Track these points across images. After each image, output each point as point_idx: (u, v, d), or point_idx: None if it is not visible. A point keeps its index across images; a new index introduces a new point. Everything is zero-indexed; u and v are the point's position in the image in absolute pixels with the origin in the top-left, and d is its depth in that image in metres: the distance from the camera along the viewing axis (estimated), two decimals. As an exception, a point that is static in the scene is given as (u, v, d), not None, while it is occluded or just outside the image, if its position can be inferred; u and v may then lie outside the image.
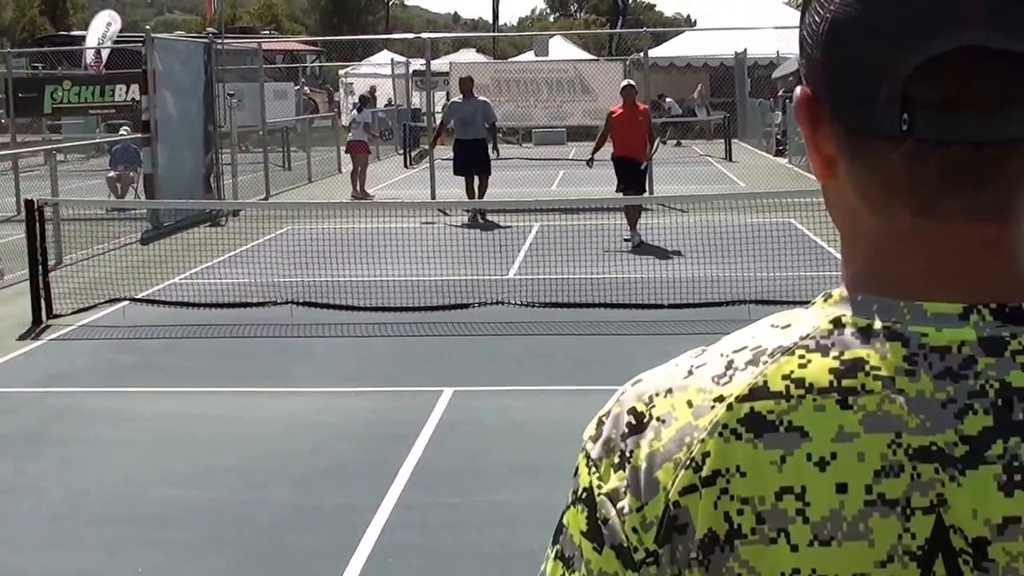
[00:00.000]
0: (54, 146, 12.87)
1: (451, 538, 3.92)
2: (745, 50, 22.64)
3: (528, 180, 16.07)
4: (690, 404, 0.65)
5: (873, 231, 0.65)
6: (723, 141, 20.75)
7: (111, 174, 13.53)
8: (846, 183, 0.65)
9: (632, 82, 11.04)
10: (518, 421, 5.25)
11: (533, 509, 4.13)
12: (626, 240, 10.12)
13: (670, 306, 7.49)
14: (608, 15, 37.06)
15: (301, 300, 7.70)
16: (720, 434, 0.62)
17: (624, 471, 0.66)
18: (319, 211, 11.77)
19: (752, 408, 0.62)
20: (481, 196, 12.10)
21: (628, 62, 19.15)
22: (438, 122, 13.19)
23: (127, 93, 14.09)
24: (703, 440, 0.63)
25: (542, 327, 7.09)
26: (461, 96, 12.43)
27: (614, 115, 10.50)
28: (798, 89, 0.67)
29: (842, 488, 0.60)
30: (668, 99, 24.10)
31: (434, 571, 3.71)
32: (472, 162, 11.97)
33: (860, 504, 0.60)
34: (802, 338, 0.64)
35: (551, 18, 56.45)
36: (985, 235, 0.63)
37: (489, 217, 11.89)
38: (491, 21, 39.50)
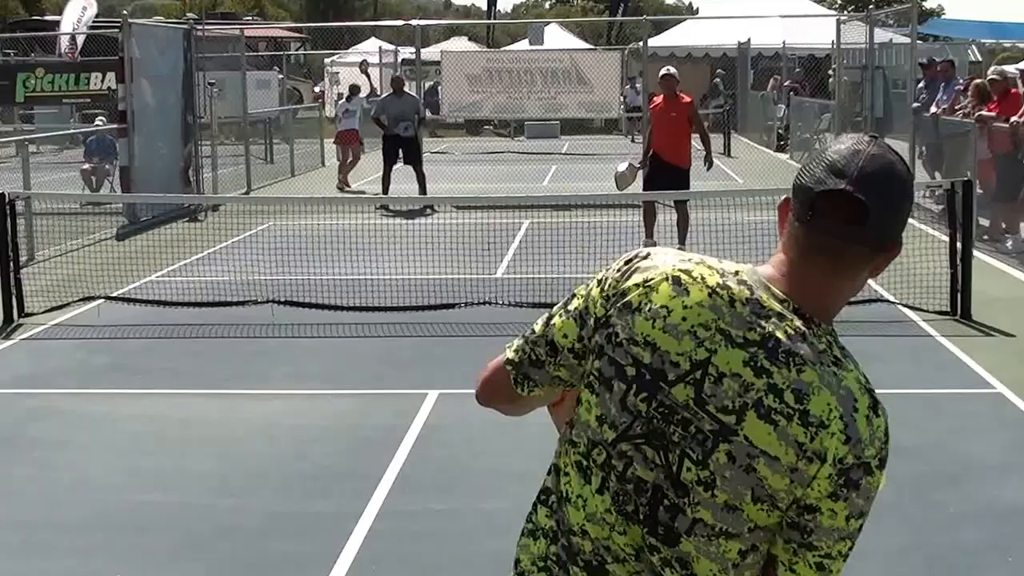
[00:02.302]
0: (26, 137, 12.48)
1: (436, 547, 3.85)
2: (749, 40, 22.25)
3: (519, 175, 15.81)
4: (665, 262, 1.47)
5: (779, 253, 1.45)
6: (722, 135, 20.39)
7: (86, 166, 13.20)
8: (788, 236, 1.44)
9: (670, 70, 9.43)
10: (504, 425, 5.02)
11: (520, 516, 3.92)
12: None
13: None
14: (607, 2, 36.68)
15: (282, 299, 7.49)
16: (663, 275, 1.44)
17: (627, 266, 1.49)
18: (302, 206, 11.50)
19: (681, 274, 1.44)
20: (422, 188, 12.38)
21: (627, 52, 18.87)
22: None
23: (103, 82, 13.71)
24: (657, 273, 1.45)
25: (530, 327, 6.85)
26: (393, 91, 12.80)
27: (652, 108, 9.49)
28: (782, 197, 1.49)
29: (685, 319, 1.41)
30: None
31: None
32: (399, 155, 12.44)
33: (686, 329, 1.40)
34: (726, 269, 1.45)
35: (547, 4, 56.03)
36: (823, 280, 1.43)
37: (482, 213, 11.62)
38: (484, 7, 39.20)
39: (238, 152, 15.46)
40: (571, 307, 1.52)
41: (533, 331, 1.56)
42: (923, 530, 3.91)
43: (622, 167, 9.39)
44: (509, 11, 57.92)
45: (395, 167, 12.73)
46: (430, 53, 19.83)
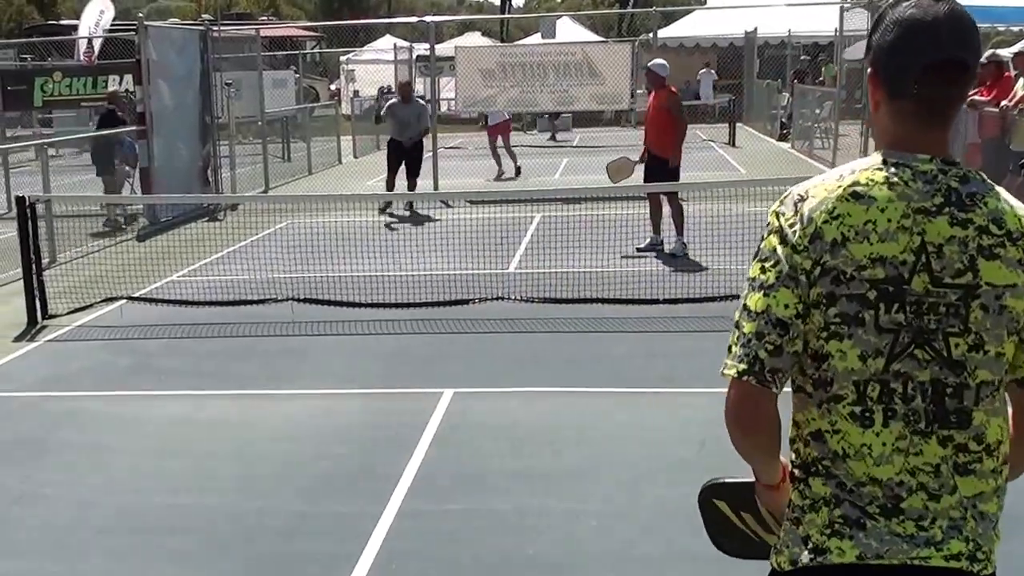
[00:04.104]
0: (45, 140, 12.65)
1: (454, 546, 3.89)
2: (755, 29, 22.24)
3: (531, 169, 15.86)
4: (826, 189, 1.56)
5: (894, 130, 1.59)
6: (727, 125, 20.42)
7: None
8: (884, 112, 1.60)
9: (654, 63, 9.30)
10: (519, 424, 5.14)
11: (537, 516, 4.09)
12: (643, 248, 9.14)
13: (666, 300, 7.32)
14: (618, -6, 36.68)
15: (301, 296, 7.58)
16: (839, 198, 1.54)
17: (796, 215, 1.56)
18: (320, 204, 11.60)
19: (854, 188, 1.54)
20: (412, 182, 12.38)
21: (637, 43, 18.83)
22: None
23: (120, 84, 13.87)
24: (833, 201, 1.54)
25: (543, 324, 6.95)
26: (401, 98, 12.63)
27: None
28: (868, 69, 1.61)
29: (890, 220, 1.51)
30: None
31: None
32: (404, 160, 12.25)
33: (896, 227, 1.51)
34: (869, 166, 1.57)
35: (559, -1, 55.88)
36: (941, 134, 1.59)
37: (492, 210, 11.69)
38: (496, 3, 39.15)
39: (256, 151, 15.60)
40: (768, 281, 1.54)
41: (743, 333, 1.56)
42: None
43: (614, 159, 9.33)
44: (521, 6, 57.79)
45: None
46: (444, 49, 19.89)
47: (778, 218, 1.57)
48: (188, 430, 5.22)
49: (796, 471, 1.61)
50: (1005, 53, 11.59)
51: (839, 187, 1.53)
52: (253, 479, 4.54)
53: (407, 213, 11.87)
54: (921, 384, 1.49)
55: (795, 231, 1.53)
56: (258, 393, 5.80)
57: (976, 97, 9.91)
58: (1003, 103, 9.36)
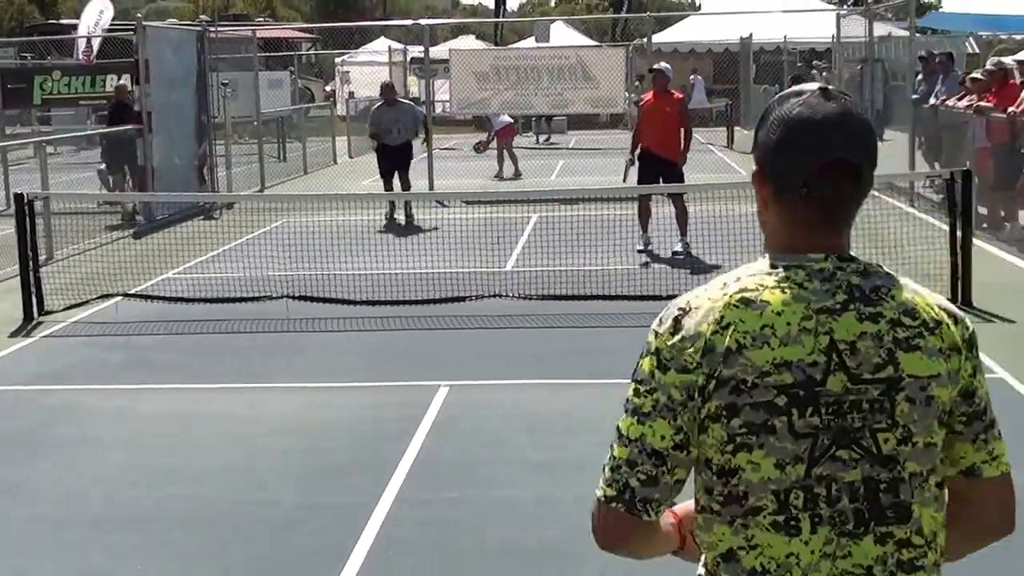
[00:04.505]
0: (44, 138, 12.67)
1: (451, 534, 3.92)
2: (751, 35, 22.39)
3: (528, 170, 15.94)
4: (710, 299, 1.43)
5: (783, 231, 1.48)
6: (725, 129, 20.56)
7: (102, 167, 13.37)
8: (772, 211, 1.49)
9: (662, 66, 9.42)
10: (515, 415, 5.19)
11: (533, 504, 4.13)
12: (644, 249, 9.08)
13: (670, 296, 7.38)
14: (611, 0, 36.85)
15: (297, 294, 7.61)
16: (727, 307, 1.41)
17: (678, 334, 1.42)
18: (315, 203, 11.63)
19: (742, 294, 1.42)
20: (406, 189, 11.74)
21: (631, 48, 18.96)
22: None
23: (119, 83, 13.91)
24: (720, 310, 1.41)
25: (539, 320, 7.00)
26: (385, 101, 11.78)
27: (642, 103, 9.43)
28: (755, 166, 1.51)
29: (789, 323, 1.39)
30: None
31: (434, 566, 3.71)
32: (396, 165, 11.60)
33: (798, 329, 1.39)
34: (757, 271, 1.45)
35: (553, 2, 56.06)
36: (835, 236, 1.46)
37: (494, 210, 11.74)
38: (491, 6, 39.25)
39: (252, 151, 15.63)
40: (644, 409, 1.42)
41: (613, 457, 1.44)
42: None
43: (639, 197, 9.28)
44: (515, 9, 57.93)
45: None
46: (438, 52, 19.97)
47: (656, 338, 1.43)
48: (183, 425, 5.23)
49: None
50: (1009, 61, 11.70)
51: (725, 295, 1.41)
52: (250, 472, 4.56)
53: (403, 221, 11.30)
54: (849, 484, 1.39)
55: (676, 349, 1.40)
56: (254, 387, 5.83)
57: (982, 103, 10.04)
58: (1010, 109, 9.47)
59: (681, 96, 9.52)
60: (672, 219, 9.22)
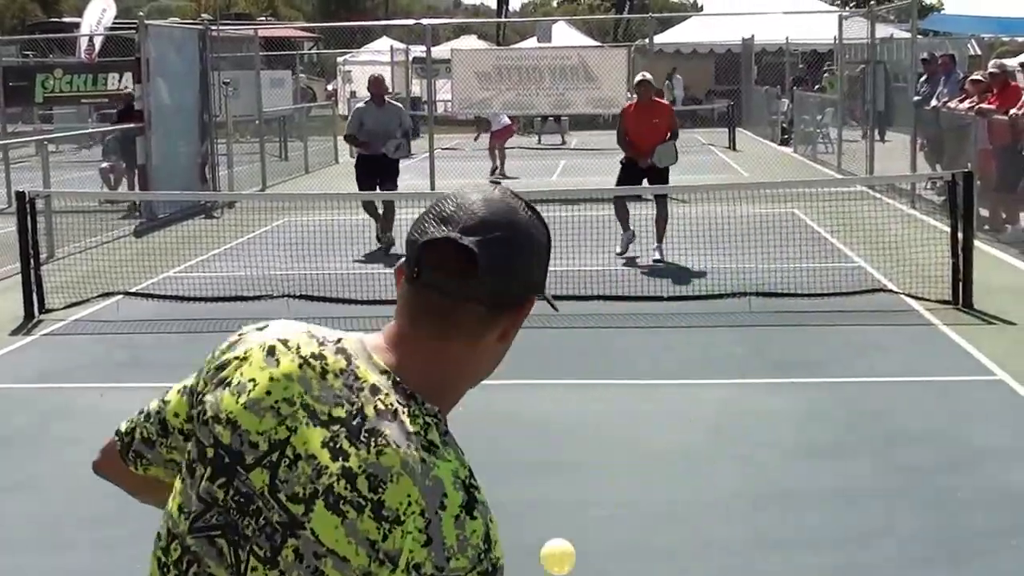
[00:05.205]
0: (46, 136, 12.69)
1: None
2: (753, 36, 22.44)
3: (529, 170, 15.96)
4: (261, 337, 1.28)
5: (396, 325, 1.25)
6: (727, 130, 20.60)
7: (104, 165, 13.39)
8: (399, 299, 1.25)
9: (646, 76, 9.29)
10: (516, 416, 5.18)
11: (533, 505, 4.13)
12: (623, 251, 9.07)
13: (671, 298, 7.41)
14: (613, 0, 36.89)
15: (297, 293, 7.62)
16: (261, 347, 1.26)
17: (215, 354, 1.30)
18: (316, 203, 11.64)
19: (274, 346, 1.26)
20: (388, 215, 9.48)
21: (632, 48, 18.97)
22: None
23: (120, 82, 13.94)
24: (266, 343, 1.26)
25: (539, 320, 6.95)
26: (372, 100, 9.77)
27: (627, 111, 9.34)
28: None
29: (269, 393, 1.21)
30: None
31: None
32: (380, 175, 9.62)
33: (270, 404, 1.20)
34: (328, 338, 1.26)
35: (555, 3, 56.15)
36: (428, 343, 1.23)
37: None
38: (493, 6, 39.31)
39: (253, 150, 15.65)
40: (188, 382, 1.32)
41: (154, 401, 1.37)
42: (933, 514, 3.97)
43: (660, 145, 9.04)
44: (517, 10, 58.01)
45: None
46: (441, 51, 20.00)
47: (238, 334, 1.31)
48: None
49: None
50: (1011, 63, 11.72)
51: (275, 336, 1.26)
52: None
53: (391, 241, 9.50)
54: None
55: (220, 349, 1.30)
56: (254, 386, 5.84)
57: (983, 105, 10.05)
58: (1012, 111, 9.48)
59: (669, 105, 9.42)
60: (653, 222, 9.03)
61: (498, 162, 15.84)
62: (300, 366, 1.21)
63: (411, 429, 1.16)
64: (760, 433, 4.85)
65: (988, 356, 5.93)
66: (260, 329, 1.29)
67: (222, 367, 1.26)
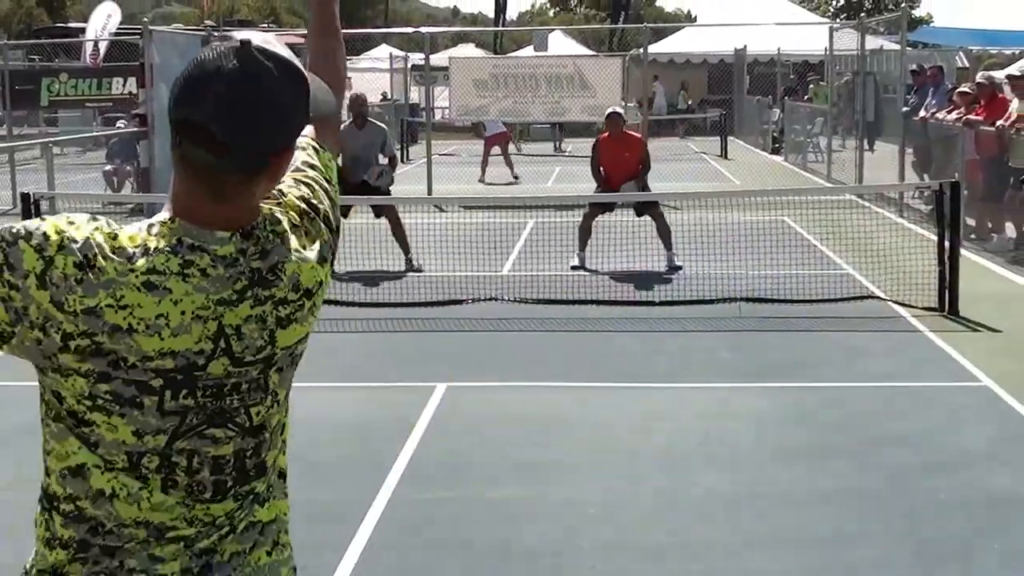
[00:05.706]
0: (51, 139, 12.82)
1: (445, 533, 3.96)
2: (745, 47, 22.68)
3: (524, 176, 16.11)
4: (116, 269, 1.31)
5: (182, 194, 1.35)
6: (719, 138, 20.81)
7: (108, 168, 13.52)
8: (175, 168, 1.35)
9: (616, 110, 9.39)
10: (511, 417, 5.27)
11: (527, 504, 4.18)
12: (573, 266, 8.81)
13: (662, 303, 7.53)
14: (608, 10, 37.13)
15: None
16: (131, 287, 1.31)
17: (84, 272, 1.31)
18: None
19: (148, 276, 1.32)
20: (400, 232, 8.76)
21: (627, 58, 19.17)
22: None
23: (124, 86, 14.08)
24: (123, 288, 1.31)
25: (535, 323, 7.13)
26: (353, 121, 8.81)
27: (599, 141, 9.26)
28: None
29: (184, 313, 1.33)
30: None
31: (428, 566, 3.75)
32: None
33: (190, 318, 1.33)
34: (166, 246, 1.33)
35: (551, 12, 56.41)
36: (226, 207, 1.35)
37: (489, 215, 11.90)
38: (491, 15, 39.48)
39: (253, 155, 15.73)
40: None
41: None
42: (914, 517, 4.01)
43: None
44: (515, 19, 58.20)
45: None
46: (439, 59, 20.16)
47: (54, 247, 1.28)
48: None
49: (43, 500, 1.49)
50: (999, 75, 11.89)
51: (132, 271, 1.29)
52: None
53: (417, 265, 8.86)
54: (216, 459, 1.39)
55: (67, 287, 1.27)
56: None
57: (971, 117, 10.19)
58: (999, 123, 9.62)
59: (640, 138, 9.47)
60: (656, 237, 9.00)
61: (502, 170, 15.94)
62: (184, 280, 1.32)
63: (281, 243, 1.40)
64: (747, 435, 4.93)
65: (972, 362, 6.00)
66: (86, 257, 1.28)
67: (90, 312, 1.27)
